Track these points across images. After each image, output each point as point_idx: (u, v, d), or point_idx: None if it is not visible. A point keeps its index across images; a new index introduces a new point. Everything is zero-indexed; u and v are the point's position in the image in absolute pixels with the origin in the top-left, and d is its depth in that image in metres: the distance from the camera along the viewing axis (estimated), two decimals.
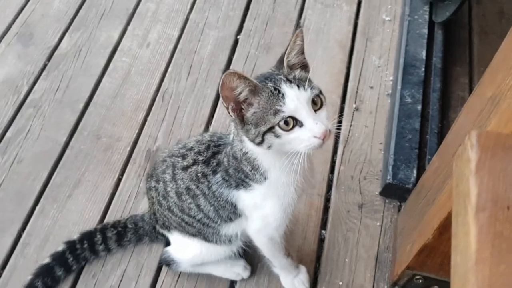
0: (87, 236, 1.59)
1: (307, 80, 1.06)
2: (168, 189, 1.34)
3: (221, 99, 1.05)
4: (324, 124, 1.04)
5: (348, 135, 1.93)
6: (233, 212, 1.30)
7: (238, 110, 1.07)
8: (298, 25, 2.27)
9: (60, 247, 1.57)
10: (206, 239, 1.43)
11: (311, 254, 1.67)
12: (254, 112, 1.05)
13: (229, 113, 1.07)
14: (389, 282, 1.61)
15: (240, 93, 1.03)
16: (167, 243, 1.56)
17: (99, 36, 2.23)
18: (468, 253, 0.71)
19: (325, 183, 1.81)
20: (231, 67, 2.12)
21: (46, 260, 1.56)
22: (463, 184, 0.80)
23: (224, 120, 1.96)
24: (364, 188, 1.81)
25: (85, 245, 1.58)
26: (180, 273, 1.61)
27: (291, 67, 1.09)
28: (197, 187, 1.28)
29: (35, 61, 2.13)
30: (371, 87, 2.08)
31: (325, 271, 1.64)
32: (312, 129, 1.02)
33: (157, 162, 1.41)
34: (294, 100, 1.02)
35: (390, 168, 1.76)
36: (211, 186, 1.26)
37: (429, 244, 1.30)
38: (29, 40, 2.20)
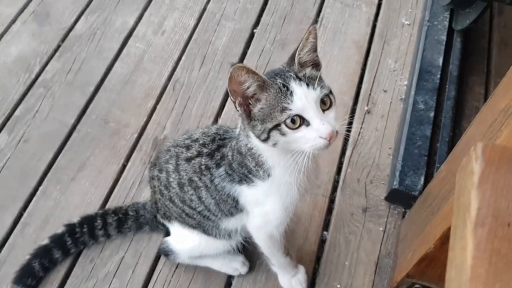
0: (88, 220, 1.59)
1: (317, 79, 1.03)
2: (171, 179, 1.32)
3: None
4: (331, 125, 1.01)
5: (358, 138, 1.91)
6: (234, 207, 1.29)
7: (246, 105, 1.05)
8: (316, 22, 2.24)
9: (60, 230, 1.57)
10: (205, 232, 1.42)
11: (311, 255, 1.65)
12: (261, 108, 1.04)
13: (236, 107, 1.06)
14: None
15: (248, 88, 1.01)
16: (167, 233, 1.56)
17: (115, 20, 2.22)
18: (463, 268, 0.69)
19: (331, 184, 1.79)
20: (245, 61, 2.11)
21: (45, 241, 1.56)
22: (464, 197, 0.78)
23: (233, 114, 1.95)
24: (369, 192, 1.78)
25: (85, 229, 1.58)
26: (178, 264, 1.60)
27: (302, 65, 1.07)
28: (200, 179, 1.27)
29: (49, 41, 2.13)
30: (385, 91, 2.05)
31: (324, 272, 1.63)
32: (319, 129, 1.00)
33: (162, 151, 1.40)
34: (302, 98, 1.00)
35: (397, 173, 1.73)
36: (213, 179, 1.24)
37: (430, 253, 1.28)
38: (45, 19, 2.20)
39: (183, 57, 2.12)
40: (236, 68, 0.97)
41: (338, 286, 1.60)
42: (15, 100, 1.95)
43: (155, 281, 1.58)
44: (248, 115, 1.06)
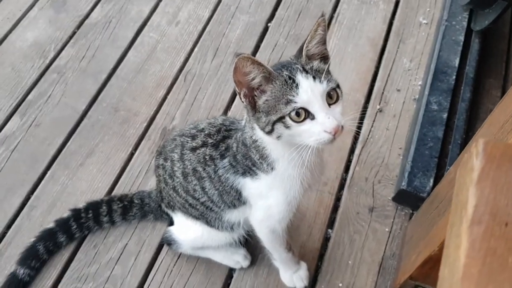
0: (93, 206, 1.60)
1: (325, 72, 1.02)
2: (175, 168, 1.32)
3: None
4: (337, 119, 1.00)
5: (368, 136, 1.88)
6: (237, 199, 1.28)
7: (251, 97, 1.04)
8: (331, 18, 2.22)
9: (66, 214, 1.59)
10: (208, 223, 1.41)
11: (314, 252, 1.64)
12: (266, 100, 1.02)
13: (241, 99, 1.05)
14: None
15: (253, 79, 1.00)
16: (171, 223, 1.55)
17: (130, 9, 2.22)
18: (456, 267, 0.66)
19: (338, 182, 1.77)
20: (257, 54, 2.09)
21: (51, 224, 1.57)
22: (462, 194, 0.75)
23: (243, 107, 1.93)
24: (377, 192, 1.76)
25: (90, 215, 1.59)
26: (180, 254, 1.60)
27: (310, 57, 1.06)
28: (204, 169, 1.26)
29: (64, 28, 2.15)
30: (398, 90, 2.02)
31: (326, 270, 1.61)
32: (324, 123, 0.99)
33: (167, 140, 1.39)
34: (308, 91, 0.99)
35: (406, 174, 1.71)
36: (217, 170, 1.24)
37: (435, 256, 1.25)
38: (61, 6, 2.21)
39: (196, 49, 2.12)
40: (240, 58, 0.95)
41: (340, 284, 1.58)
42: (29, 85, 1.97)
43: (157, 270, 1.59)
44: (253, 106, 1.05)
